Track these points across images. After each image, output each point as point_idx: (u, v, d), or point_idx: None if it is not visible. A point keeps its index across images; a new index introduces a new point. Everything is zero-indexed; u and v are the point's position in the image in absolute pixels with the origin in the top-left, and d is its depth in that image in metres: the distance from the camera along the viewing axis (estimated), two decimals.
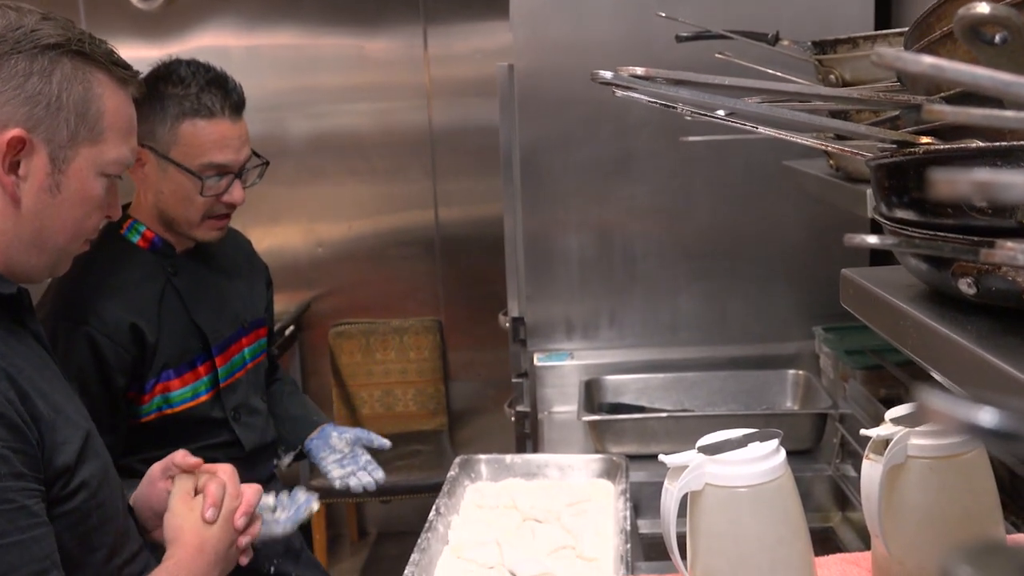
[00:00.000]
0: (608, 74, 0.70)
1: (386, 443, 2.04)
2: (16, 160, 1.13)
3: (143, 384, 1.77)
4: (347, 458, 2.01)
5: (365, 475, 1.99)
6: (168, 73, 1.76)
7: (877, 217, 0.81)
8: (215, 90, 1.76)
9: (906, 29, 1.38)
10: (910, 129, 0.76)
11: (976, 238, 0.63)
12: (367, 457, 2.02)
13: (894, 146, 0.76)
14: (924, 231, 0.71)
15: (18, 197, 1.14)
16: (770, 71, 1.65)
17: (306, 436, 2.07)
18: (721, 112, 0.89)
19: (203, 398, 1.84)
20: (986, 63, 0.48)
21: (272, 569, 1.97)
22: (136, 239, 1.83)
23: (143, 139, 1.74)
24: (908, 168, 0.70)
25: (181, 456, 1.39)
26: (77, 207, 1.20)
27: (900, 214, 0.73)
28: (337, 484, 1.98)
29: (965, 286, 0.67)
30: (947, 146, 0.67)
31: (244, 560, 1.40)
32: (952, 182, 0.29)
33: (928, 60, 0.35)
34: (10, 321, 1.18)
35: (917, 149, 0.70)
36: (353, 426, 2.14)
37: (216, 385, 1.86)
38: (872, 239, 0.67)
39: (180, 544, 1.27)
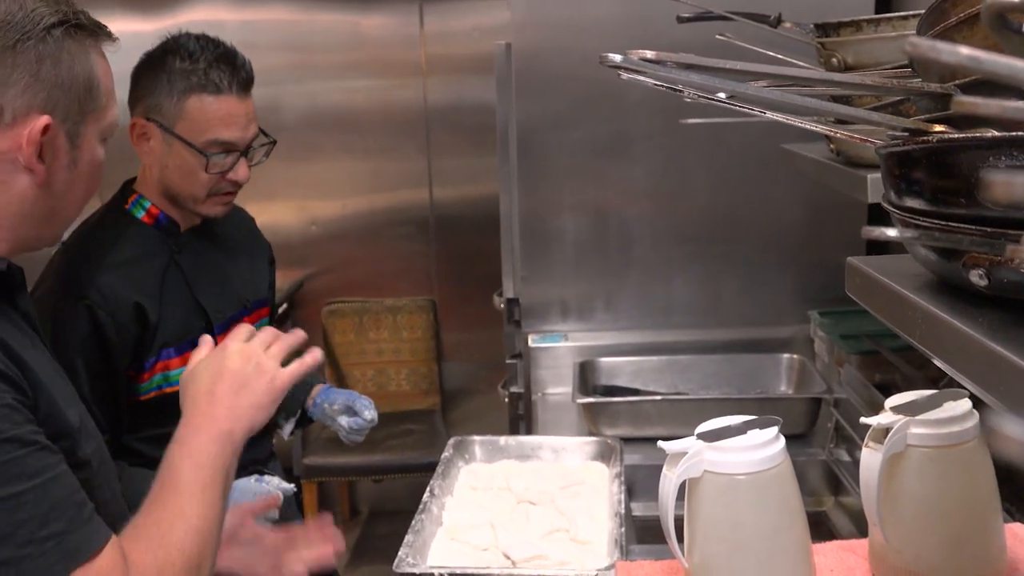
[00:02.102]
0: (618, 57, 0.69)
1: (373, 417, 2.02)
2: (40, 145, 1.12)
3: (142, 362, 1.75)
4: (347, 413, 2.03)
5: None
6: (177, 47, 1.73)
7: (885, 205, 0.80)
8: (223, 66, 1.73)
9: (908, 13, 1.38)
10: (922, 117, 0.75)
11: (990, 229, 0.62)
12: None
13: (905, 133, 0.75)
14: (935, 220, 0.70)
15: (46, 181, 1.14)
16: (771, 53, 1.64)
17: (304, 398, 2.06)
18: (722, 95, 0.88)
19: None
20: (1010, 52, 0.47)
21: None
22: (141, 215, 1.80)
23: (149, 113, 1.73)
24: (920, 157, 0.69)
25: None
26: (89, 177, 1.21)
27: (910, 203, 0.72)
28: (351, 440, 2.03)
29: (976, 278, 0.66)
30: (962, 135, 0.66)
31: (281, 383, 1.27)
32: (1010, 184, 0.28)
33: (965, 51, 0.34)
34: (1, 303, 1.16)
35: (931, 137, 0.69)
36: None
37: None
38: (891, 232, 0.65)
39: (190, 419, 1.22)
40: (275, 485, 1.76)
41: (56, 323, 1.65)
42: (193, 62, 1.71)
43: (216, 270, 1.88)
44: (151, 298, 1.74)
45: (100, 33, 1.21)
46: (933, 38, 0.69)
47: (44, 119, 1.11)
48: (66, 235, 1.70)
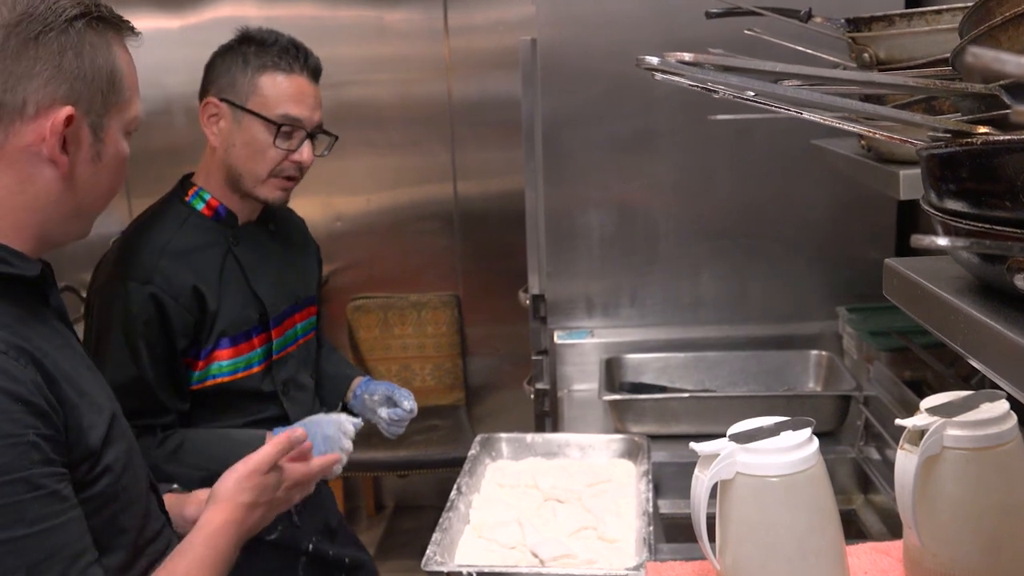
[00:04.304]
0: (654, 60, 0.68)
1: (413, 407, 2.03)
2: (64, 137, 1.13)
3: (199, 350, 1.78)
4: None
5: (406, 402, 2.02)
6: (251, 36, 1.82)
7: (925, 207, 0.79)
8: (295, 51, 1.81)
9: (941, 7, 1.35)
10: (965, 118, 0.73)
11: None
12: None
13: (947, 134, 0.73)
14: (977, 223, 0.68)
15: (70, 173, 1.14)
16: (801, 48, 1.62)
17: (344, 391, 2.10)
18: (750, 93, 0.86)
19: (255, 370, 1.84)
20: None
21: (310, 547, 1.97)
22: (200, 207, 1.84)
23: (222, 93, 1.79)
24: (964, 158, 0.68)
25: None
26: (114, 170, 1.21)
27: (951, 205, 0.71)
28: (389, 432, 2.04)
29: (1021, 282, 0.64)
30: (1007, 137, 0.65)
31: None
32: None
33: None
34: (34, 302, 1.17)
35: (974, 139, 0.68)
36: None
37: (269, 358, 1.86)
38: (942, 241, 0.64)
39: (222, 511, 1.27)
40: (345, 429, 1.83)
41: (117, 308, 1.70)
42: (268, 47, 1.80)
43: (272, 263, 1.92)
44: (210, 286, 1.78)
45: (123, 26, 1.21)
46: (977, 38, 0.68)
47: (67, 110, 1.11)
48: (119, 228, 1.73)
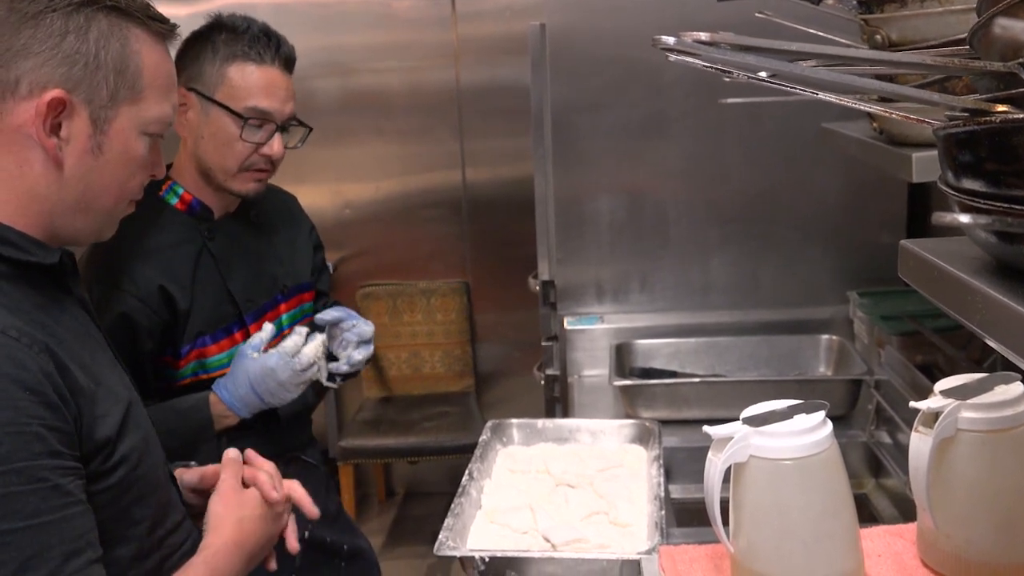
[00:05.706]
0: (671, 40, 0.67)
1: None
2: (57, 122, 1.10)
3: (178, 349, 1.75)
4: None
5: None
6: (222, 23, 1.77)
7: (942, 187, 0.79)
8: (268, 39, 1.76)
9: None
10: (983, 96, 0.73)
11: None
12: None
13: (964, 114, 0.73)
14: (995, 202, 0.68)
15: (61, 160, 1.12)
16: (812, 31, 1.61)
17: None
18: (763, 73, 0.86)
19: None
20: None
21: (306, 535, 1.96)
22: (174, 201, 1.80)
23: (190, 82, 1.74)
24: (983, 137, 0.67)
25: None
26: (121, 168, 1.17)
27: (969, 184, 0.71)
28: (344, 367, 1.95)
29: None
30: None
31: (271, 565, 1.41)
32: None
33: None
34: (55, 289, 1.16)
35: (993, 118, 0.68)
36: (381, 389, 2.07)
37: None
38: (964, 218, 0.64)
39: (219, 535, 1.26)
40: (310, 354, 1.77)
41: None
42: (239, 35, 1.74)
43: (249, 257, 1.88)
44: (182, 285, 1.74)
45: (149, 23, 1.18)
46: (997, 15, 0.67)
47: (54, 92, 1.08)
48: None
